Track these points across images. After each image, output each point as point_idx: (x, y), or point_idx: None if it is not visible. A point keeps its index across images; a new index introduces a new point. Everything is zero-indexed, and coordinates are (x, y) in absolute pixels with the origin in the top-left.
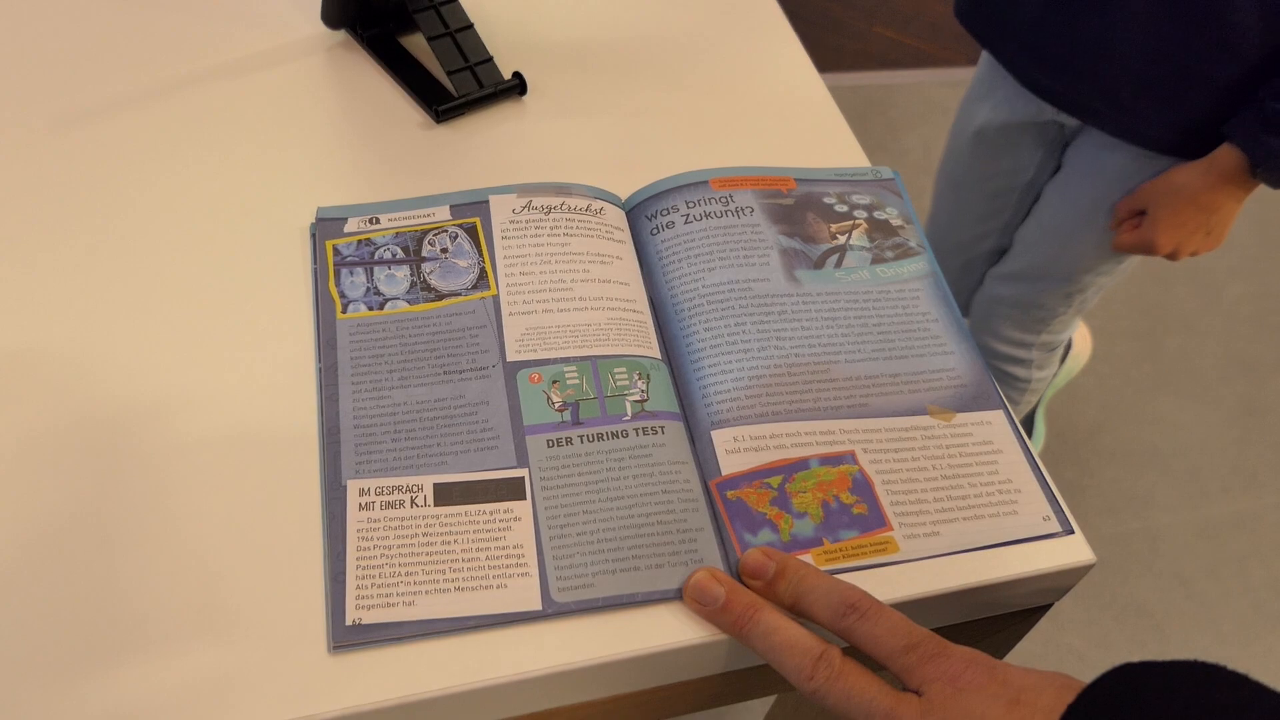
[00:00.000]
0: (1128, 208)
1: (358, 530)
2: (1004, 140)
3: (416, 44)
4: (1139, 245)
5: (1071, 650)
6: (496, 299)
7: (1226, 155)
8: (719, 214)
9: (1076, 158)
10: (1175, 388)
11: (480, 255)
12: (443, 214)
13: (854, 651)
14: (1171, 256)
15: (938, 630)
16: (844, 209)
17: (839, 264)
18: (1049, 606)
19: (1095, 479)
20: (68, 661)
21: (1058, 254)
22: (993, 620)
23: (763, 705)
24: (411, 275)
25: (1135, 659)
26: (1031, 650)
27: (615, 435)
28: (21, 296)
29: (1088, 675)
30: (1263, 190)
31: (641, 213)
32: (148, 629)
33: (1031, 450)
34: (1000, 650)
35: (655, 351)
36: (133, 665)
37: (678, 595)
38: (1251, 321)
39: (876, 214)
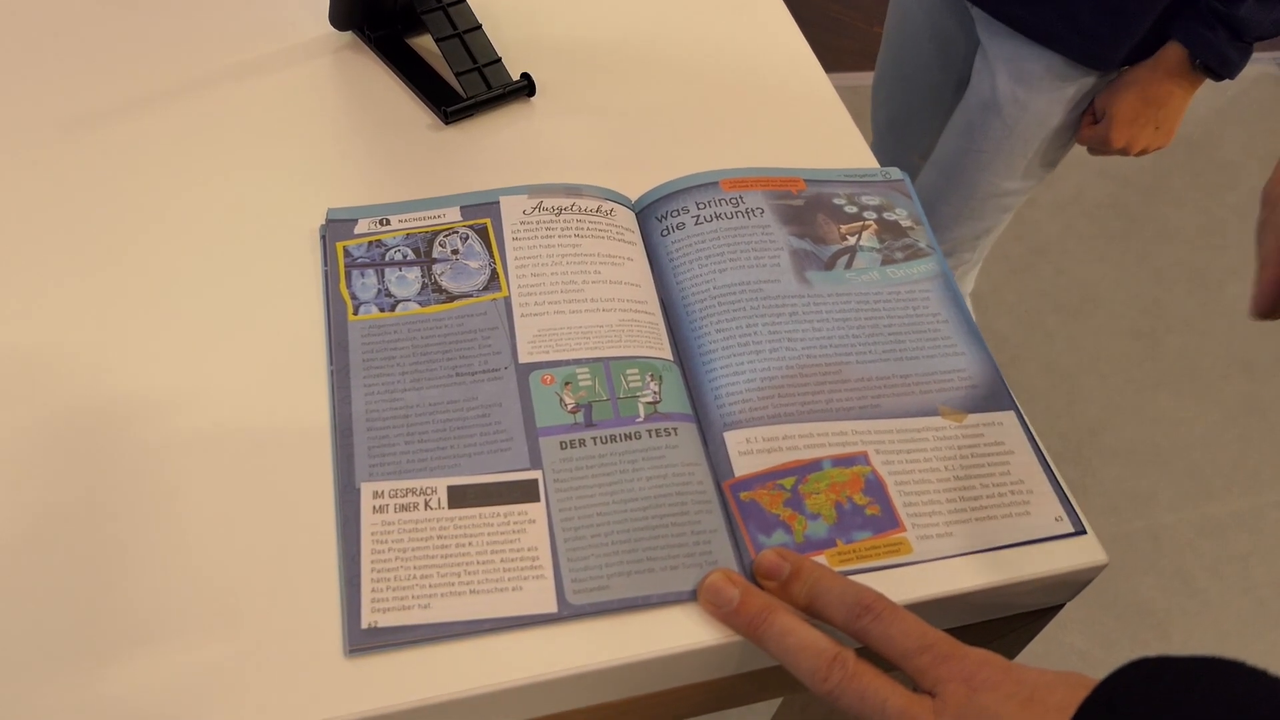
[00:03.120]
0: (1096, 110)
1: (372, 533)
2: (944, 21)
3: (425, 45)
4: (1095, 138)
5: (1074, 649)
6: (508, 300)
7: (1170, 51)
8: (729, 215)
9: (991, 67)
10: (1176, 386)
11: (491, 256)
12: (453, 215)
13: (868, 653)
14: (1124, 152)
15: (950, 632)
16: (854, 210)
17: (849, 265)
18: (1060, 607)
19: (1097, 478)
20: (78, 663)
21: (965, 184)
22: (1004, 621)
23: (768, 707)
24: (423, 277)
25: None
26: (1033, 650)
27: (628, 437)
28: (34, 298)
29: (1091, 674)
30: (1260, 189)
31: (652, 214)
32: (161, 632)
33: (1043, 451)
34: (1011, 651)
35: (667, 353)
36: (145, 668)
37: (692, 597)
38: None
39: (886, 215)
